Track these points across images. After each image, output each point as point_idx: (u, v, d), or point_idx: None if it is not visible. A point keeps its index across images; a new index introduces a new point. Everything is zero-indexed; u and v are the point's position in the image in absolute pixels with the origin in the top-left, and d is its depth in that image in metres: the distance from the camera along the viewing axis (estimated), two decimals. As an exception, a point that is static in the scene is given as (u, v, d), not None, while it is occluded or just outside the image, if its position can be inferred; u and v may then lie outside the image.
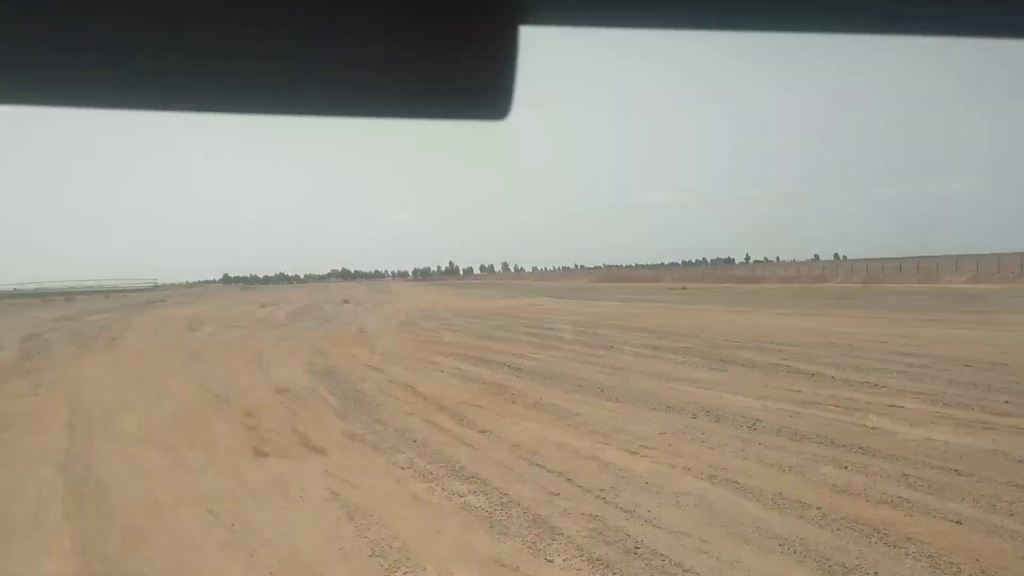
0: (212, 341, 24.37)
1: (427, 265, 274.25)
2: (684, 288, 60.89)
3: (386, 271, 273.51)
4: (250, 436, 9.95)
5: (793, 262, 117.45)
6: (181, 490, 7.49)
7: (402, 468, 8.14)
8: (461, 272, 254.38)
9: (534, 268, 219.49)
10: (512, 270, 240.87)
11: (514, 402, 11.85)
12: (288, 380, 14.83)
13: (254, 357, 19.11)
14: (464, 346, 20.08)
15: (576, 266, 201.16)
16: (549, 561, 5.56)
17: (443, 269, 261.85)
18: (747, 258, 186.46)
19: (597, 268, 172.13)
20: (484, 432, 9.77)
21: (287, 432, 10.14)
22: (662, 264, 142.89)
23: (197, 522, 6.52)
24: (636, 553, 5.61)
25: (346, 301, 52.79)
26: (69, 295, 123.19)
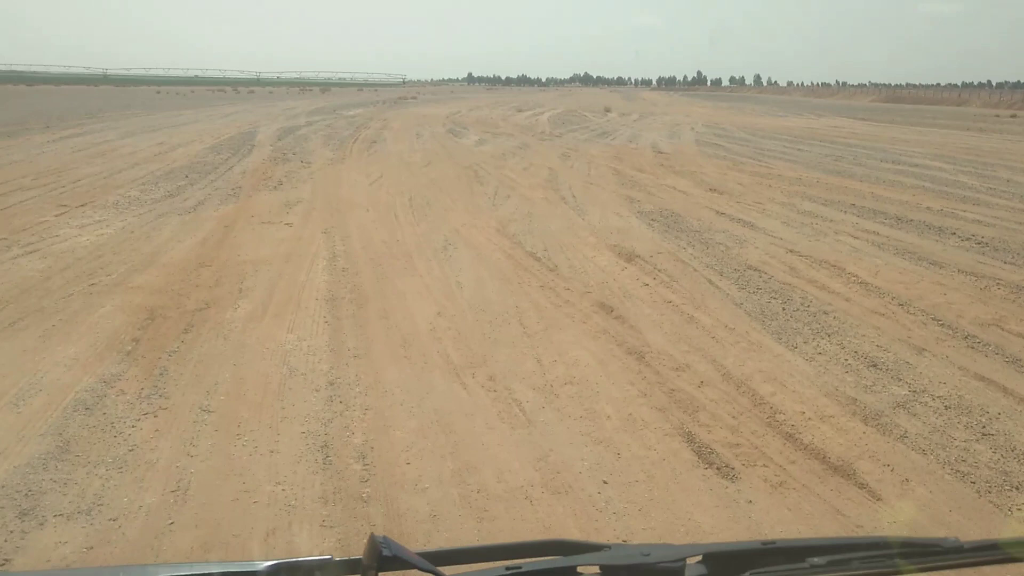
0: (483, 152, 20.06)
1: (672, 74, 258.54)
2: (1014, 116, 49.36)
3: (628, 78, 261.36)
4: (649, 385, 5.06)
5: None
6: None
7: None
8: (709, 83, 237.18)
9: (789, 83, 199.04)
10: (764, 84, 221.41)
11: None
12: (622, 232, 9.97)
13: (546, 182, 14.47)
14: (827, 187, 14.20)
15: (837, 83, 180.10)
16: None
17: (689, 79, 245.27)
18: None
19: (862, 86, 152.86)
20: None
21: (716, 379, 5.19)
22: (938, 85, 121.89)
23: None
24: None
25: (608, 110, 47.17)
26: (324, 86, 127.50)
